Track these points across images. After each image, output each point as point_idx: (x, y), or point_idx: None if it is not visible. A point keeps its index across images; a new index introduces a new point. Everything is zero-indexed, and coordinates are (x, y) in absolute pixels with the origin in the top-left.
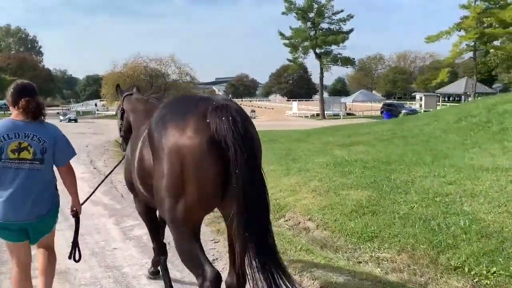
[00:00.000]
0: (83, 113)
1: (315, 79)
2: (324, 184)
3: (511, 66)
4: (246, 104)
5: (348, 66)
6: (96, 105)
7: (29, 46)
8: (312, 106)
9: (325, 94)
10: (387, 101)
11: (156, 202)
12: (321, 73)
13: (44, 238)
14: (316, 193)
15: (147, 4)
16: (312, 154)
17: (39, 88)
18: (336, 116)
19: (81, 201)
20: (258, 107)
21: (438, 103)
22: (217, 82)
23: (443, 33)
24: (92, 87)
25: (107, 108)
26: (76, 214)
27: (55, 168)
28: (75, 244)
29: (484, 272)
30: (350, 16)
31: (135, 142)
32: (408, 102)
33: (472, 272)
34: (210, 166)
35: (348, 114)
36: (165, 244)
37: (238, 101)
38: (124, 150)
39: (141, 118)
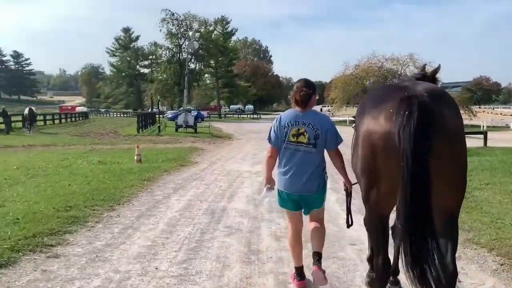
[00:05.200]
0: None
1: None
2: None
3: None
4: (501, 113)
5: None
6: (321, 110)
7: (262, 56)
8: None
9: None
10: None
11: (359, 182)
12: None
13: (314, 211)
14: None
15: (366, 10)
16: None
17: (268, 94)
18: None
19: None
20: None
21: None
22: (447, 87)
23: None
24: None
25: (333, 113)
26: (347, 190)
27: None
28: (348, 211)
29: None
30: None
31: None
32: None
33: None
34: (395, 155)
35: None
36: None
37: (474, 107)
38: None
39: None
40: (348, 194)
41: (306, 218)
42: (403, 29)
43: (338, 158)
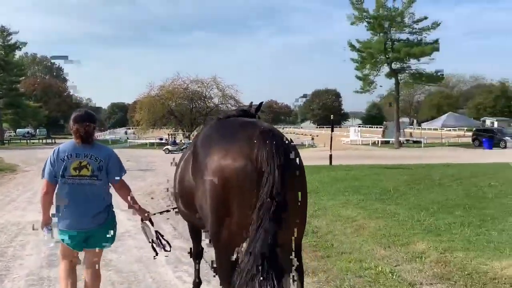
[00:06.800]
0: (112, 142)
1: (347, 105)
2: None
3: None
4: (294, 132)
5: (432, 84)
6: (126, 133)
7: (55, 74)
8: (370, 133)
9: (358, 121)
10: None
11: (203, 219)
12: (397, 92)
13: (93, 253)
14: None
15: (168, 35)
16: None
17: (65, 115)
18: (408, 144)
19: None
20: (302, 134)
21: None
22: None
23: None
24: (117, 115)
25: (139, 136)
26: (147, 219)
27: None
28: (158, 237)
29: None
30: (436, 24)
31: (179, 162)
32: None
33: None
34: (251, 189)
35: (415, 141)
36: (202, 248)
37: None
38: None
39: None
40: (150, 221)
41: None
42: (205, 54)
43: (124, 190)
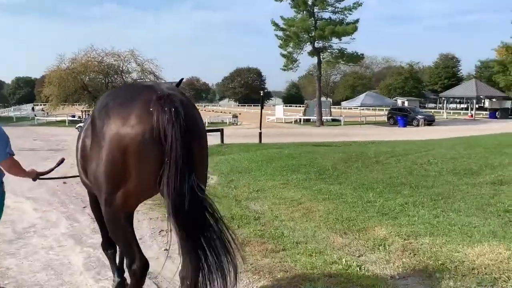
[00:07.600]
0: (17, 119)
1: (269, 84)
2: None
3: None
4: (213, 110)
5: (352, 64)
6: (33, 109)
7: None
8: (291, 112)
9: (279, 100)
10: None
11: (94, 188)
12: (319, 71)
13: None
14: None
15: (78, 7)
16: None
17: None
18: (328, 122)
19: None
20: (221, 112)
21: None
22: None
23: None
24: (23, 90)
25: (48, 113)
26: (33, 176)
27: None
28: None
29: None
30: (358, 4)
31: (80, 133)
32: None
33: None
34: (151, 155)
35: (333, 120)
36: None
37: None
38: None
39: None
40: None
41: None
42: (121, 28)
43: (14, 169)
